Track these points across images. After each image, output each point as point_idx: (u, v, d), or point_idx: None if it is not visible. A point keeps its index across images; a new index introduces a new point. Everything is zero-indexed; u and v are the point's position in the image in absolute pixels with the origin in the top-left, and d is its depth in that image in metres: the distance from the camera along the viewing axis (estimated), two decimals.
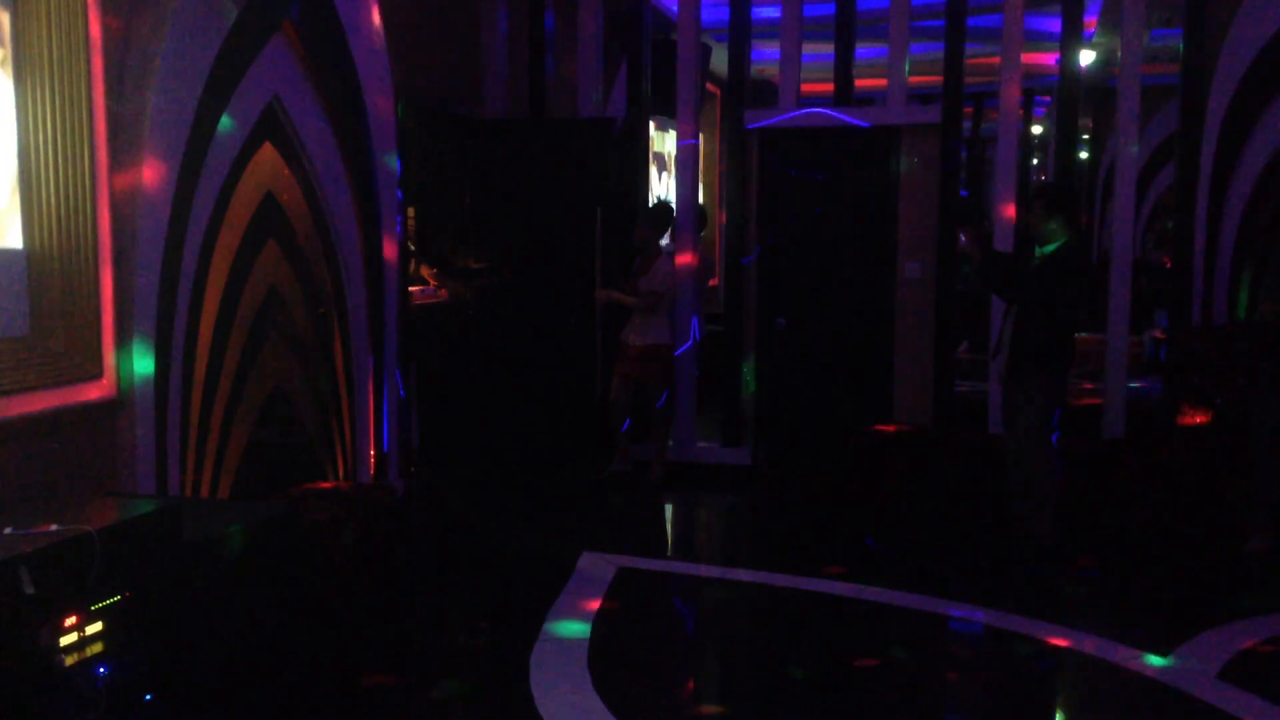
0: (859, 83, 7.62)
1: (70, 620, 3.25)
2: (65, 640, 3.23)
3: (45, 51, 4.00)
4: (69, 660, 3.23)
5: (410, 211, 7.05)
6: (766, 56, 8.61)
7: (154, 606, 3.59)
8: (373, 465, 6.33)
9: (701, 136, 8.17)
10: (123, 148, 4.40)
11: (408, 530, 5.72)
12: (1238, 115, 6.49)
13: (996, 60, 7.09)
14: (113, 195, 4.37)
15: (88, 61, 4.18)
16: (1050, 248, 5.73)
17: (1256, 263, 6.57)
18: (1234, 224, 6.55)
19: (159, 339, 4.56)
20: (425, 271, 7.19)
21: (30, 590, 3.03)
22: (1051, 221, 5.70)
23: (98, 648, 3.35)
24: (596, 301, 7.37)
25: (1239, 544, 5.79)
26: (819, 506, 6.90)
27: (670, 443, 7.50)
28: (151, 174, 4.45)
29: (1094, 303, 7.69)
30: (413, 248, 7.03)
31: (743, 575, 5.67)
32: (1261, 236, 6.55)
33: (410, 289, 6.88)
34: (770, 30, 7.96)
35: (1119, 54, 6.99)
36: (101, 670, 3.36)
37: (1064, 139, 7.36)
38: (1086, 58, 9.87)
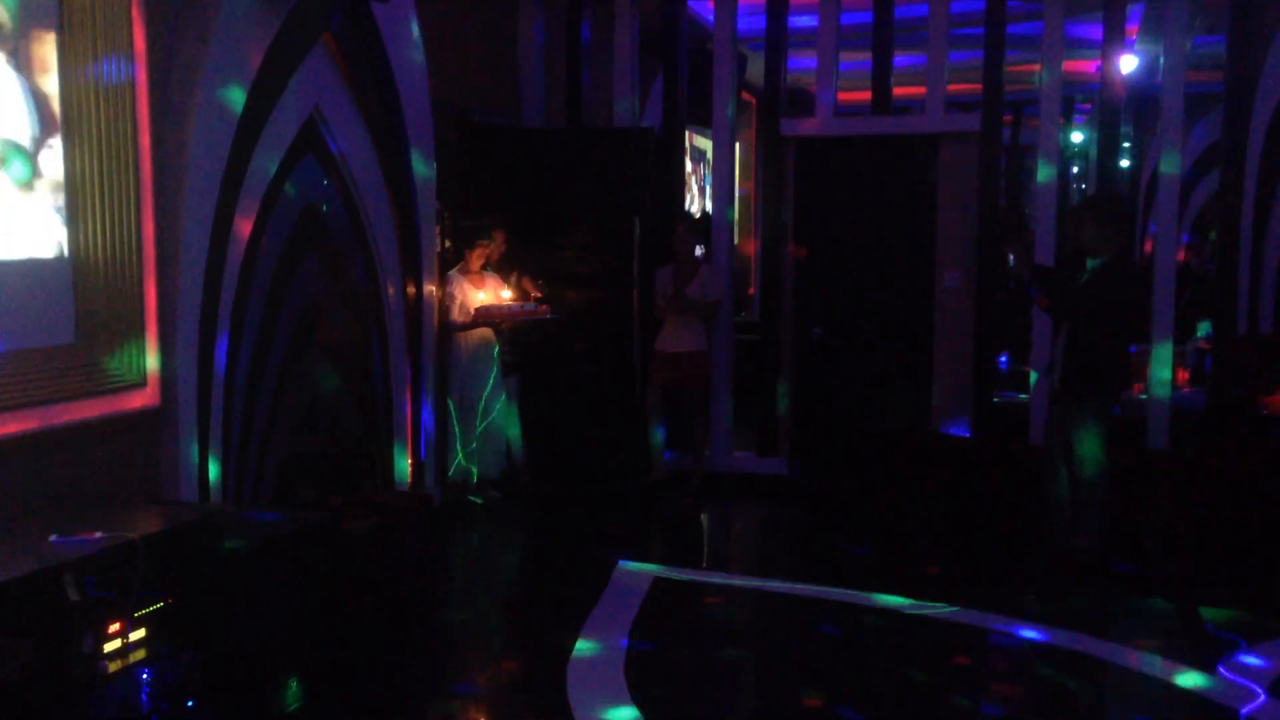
0: (896, 91, 7.59)
1: (114, 627, 3.28)
2: (109, 646, 3.26)
3: (90, 62, 4.04)
4: (113, 667, 3.26)
5: (498, 236, 7.00)
6: (803, 66, 8.58)
7: (196, 613, 3.62)
8: (411, 474, 6.36)
9: (737, 145, 8.15)
10: (167, 159, 4.44)
11: (445, 539, 5.72)
12: None
13: (1036, 68, 7.03)
14: (157, 205, 4.41)
15: (133, 73, 4.23)
16: (1100, 260, 5.60)
17: None
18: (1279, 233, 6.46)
19: (202, 348, 4.61)
20: (528, 284, 7.08)
21: (76, 597, 3.06)
22: (1102, 233, 5.58)
23: (141, 654, 3.38)
24: (664, 309, 7.25)
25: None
26: (857, 518, 6.84)
27: (706, 452, 7.48)
28: (196, 184, 4.50)
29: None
30: (487, 261, 6.98)
31: (780, 587, 5.62)
32: None
33: (498, 305, 6.82)
34: (807, 39, 7.94)
35: (1160, 61, 6.92)
36: (145, 676, 3.38)
37: (1106, 147, 7.28)
38: (1128, 64, 9.75)
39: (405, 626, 4.89)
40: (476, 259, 6.92)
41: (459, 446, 6.87)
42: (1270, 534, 5.79)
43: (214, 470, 4.67)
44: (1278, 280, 6.48)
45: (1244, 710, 4.09)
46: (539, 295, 7.02)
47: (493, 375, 6.92)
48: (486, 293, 6.88)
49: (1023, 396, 7.50)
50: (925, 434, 7.18)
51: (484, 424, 6.87)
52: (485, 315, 6.80)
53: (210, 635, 3.67)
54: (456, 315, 6.80)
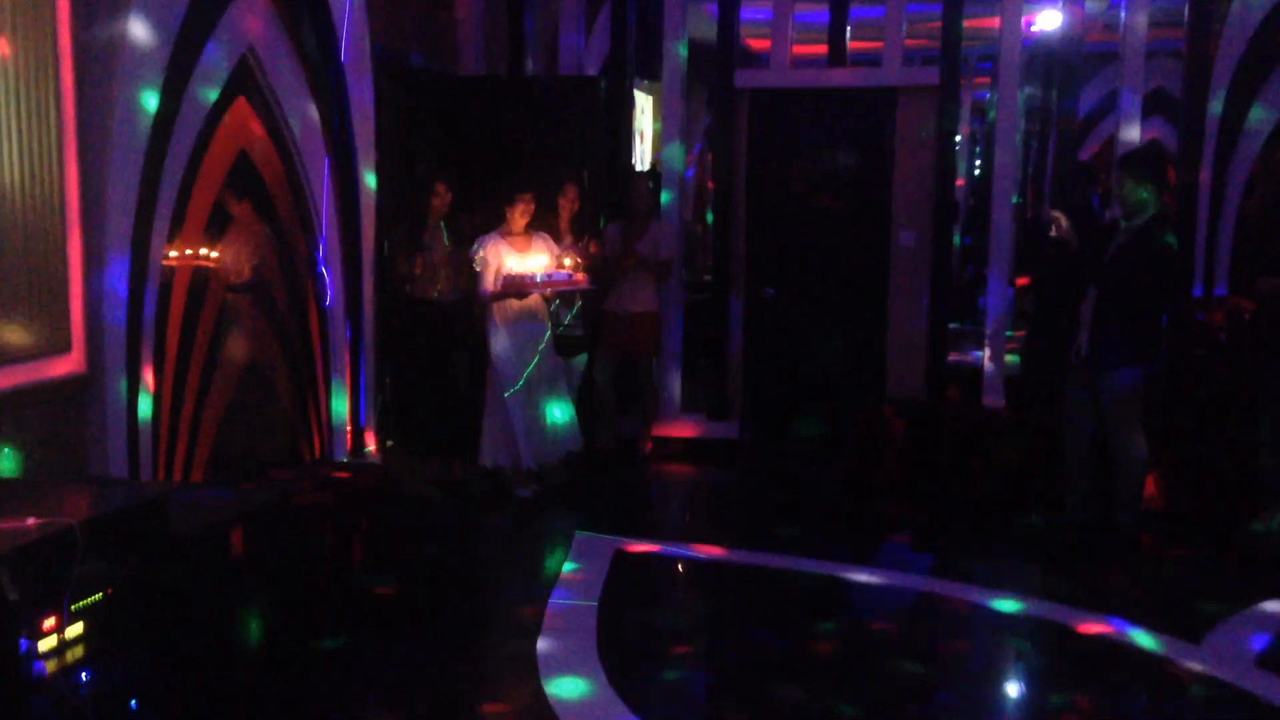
0: (853, 45, 7.37)
1: (49, 623, 2.93)
2: (44, 645, 2.91)
3: None
4: (50, 667, 2.92)
5: (571, 191, 6.54)
6: (756, 18, 8.29)
7: (139, 605, 3.28)
8: (349, 440, 6.02)
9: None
10: (91, 103, 4.02)
11: (396, 512, 5.40)
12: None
13: (997, 21, 6.87)
14: (81, 153, 3.99)
15: (53, 4, 3.79)
16: (1136, 222, 5.24)
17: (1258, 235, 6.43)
18: (1237, 194, 6.41)
19: (130, 308, 4.21)
20: (594, 248, 6.52)
21: (14, 596, 2.70)
22: (1141, 191, 5.18)
23: (79, 652, 3.04)
24: (622, 267, 6.75)
25: (1250, 523, 5.66)
26: (817, 482, 6.70)
27: (656, 417, 7.25)
28: (121, 131, 4.08)
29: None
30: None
31: (747, 557, 5.44)
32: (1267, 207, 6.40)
33: (526, 274, 6.01)
34: None
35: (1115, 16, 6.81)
36: (84, 676, 3.04)
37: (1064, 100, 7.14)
38: (1050, 20, 9.67)
39: (361, 606, 4.58)
40: (518, 217, 6.08)
41: (484, 433, 6.19)
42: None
43: (144, 440, 4.29)
44: (1234, 241, 6.44)
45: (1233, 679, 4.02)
46: (579, 261, 6.21)
47: (539, 354, 6.15)
48: (522, 258, 6.06)
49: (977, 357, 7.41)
50: (879, 396, 7.04)
51: (519, 409, 6.06)
52: (513, 285, 6.01)
53: (155, 629, 3.33)
54: (490, 283, 6.05)
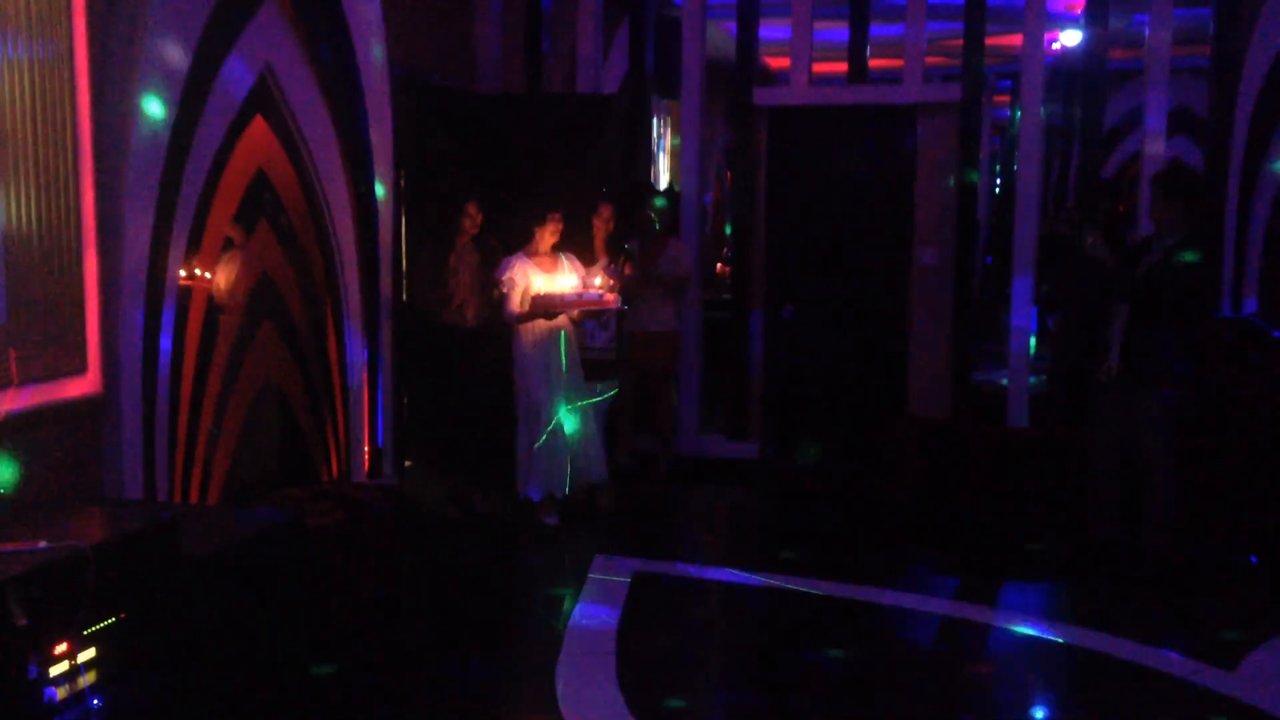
0: (872, 63, 7.32)
1: (61, 648, 2.88)
2: (55, 670, 2.86)
3: (23, 13, 3.58)
4: (61, 693, 2.86)
5: (606, 211, 6.32)
6: (774, 37, 8.25)
7: (152, 629, 3.22)
8: (367, 462, 5.96)
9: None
10: (108, 121, 3.99)
11: (413, 533, 5.34)
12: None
13: (1019, 39, 6.80)
14: (97, 172, 3.96)
15: (69, 23, 3.77)
16: (1170, 241, 5.19)
17: None
18: (1265, 210, 6.31)
19: (147, 329, 4.18)
20: (627, 268, 6.33)
21: (22, 621, 2.66)
22: (1170, 211, 5.16)
23: (91, 677, 2.98)
24: (638, 284, 6.55)
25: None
26: (837, 505, 6.61)
27: (674, 435, 7.17)
28: (138, 149, 4.06)
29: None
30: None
31: (768, 580, 5.35)
32: None
33: (557, 295, 5.90)
34: (778, 6, 7.60)
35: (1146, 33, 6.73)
36: (95, 703, 2.99)
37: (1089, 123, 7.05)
38: (1070, 38, 9.59)
39: (378, 630, 4.52)
40: (547, 237, 5.98)
41: (519, 463, 6.03)
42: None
43: (160, 462, 4.25)
44: (1264, 258, 6.34)
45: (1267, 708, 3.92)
46: (612, 282, 6.09)
47: (567, 378, 5.99)
48: (550, 278, 5.96)
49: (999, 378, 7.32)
50: (902, 416, 6.95)
51: (546, 435, 5.90)
52: (541, 305, 5.86)
53: (169, 653, 3.28)
54: (516, 305, 5.91)
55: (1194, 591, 5.18)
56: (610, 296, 5.97)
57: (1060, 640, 4.62)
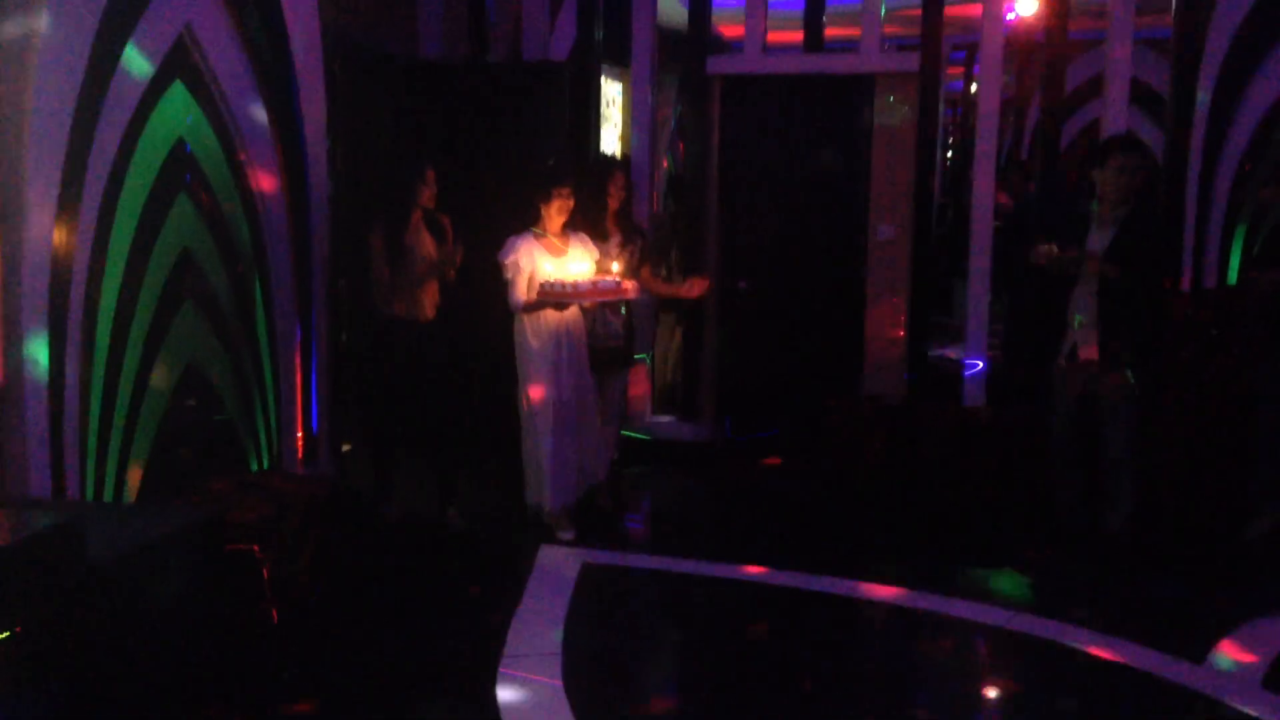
0: (829, 32, 7.09)
1: None
2: None
3: None
4: None
5: (619, 176, 5.56)
6: (728, 4, 7.98)
7: (54, 640, 2.96)
8: (300, 449, 5.68)
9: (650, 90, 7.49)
10: (7, 83, 3.67)
11: (348, 526, 5.06)
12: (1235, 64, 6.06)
13: (976, 9, 6.60)
14: None
15: None
16: (1122, 210, 5.05)
17: (1250, 223, 6.19)
18: (1228, 181, 6.16)
19: (53, 314, 3.87)
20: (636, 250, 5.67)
21: None
22: (1128, 179, 4.99)
23: None
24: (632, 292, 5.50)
25: (1240, 529, 5.44)
26: (791, 488, 6.43)
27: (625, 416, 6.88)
28: (40, 120, 3.73)
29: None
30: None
31: (718, 570, 5.15)
32: (1257, 194, 6.16)
33: (567, 281, 5.24)
34: None
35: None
36: None
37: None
38: (1029, 6, 9.39)
39: (313, 630, 4.26)
40: (554, 215, 5.32)
41: (526, 467, 5.49)
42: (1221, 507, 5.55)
43: (70, 457, 3.95)
44: (1223, 233, 6.20)
45: (1238, 704, 3.79)
46: (632, 264, 5.56)
47: (578, 374, 5.40)
48: (560, 263, 5.31)
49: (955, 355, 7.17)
50: (856, 394, 6.78)
51: (554, 440, 5.35)
52: (549, 293, 5.21)
53: (70, 666, 3.01)
54: (523, 292, 5.28)
55: (1159, 579, 5.05)
56: (629, 284, 5.33)
57: (1020, 630, 4.47)
